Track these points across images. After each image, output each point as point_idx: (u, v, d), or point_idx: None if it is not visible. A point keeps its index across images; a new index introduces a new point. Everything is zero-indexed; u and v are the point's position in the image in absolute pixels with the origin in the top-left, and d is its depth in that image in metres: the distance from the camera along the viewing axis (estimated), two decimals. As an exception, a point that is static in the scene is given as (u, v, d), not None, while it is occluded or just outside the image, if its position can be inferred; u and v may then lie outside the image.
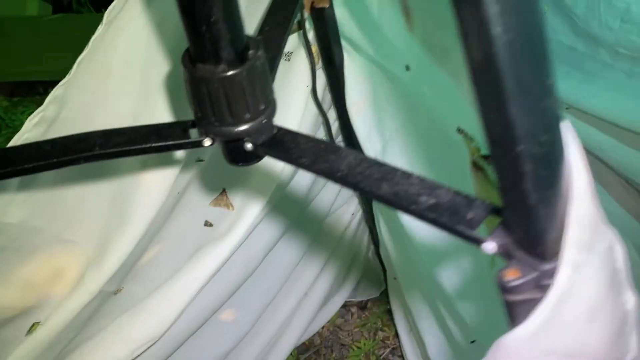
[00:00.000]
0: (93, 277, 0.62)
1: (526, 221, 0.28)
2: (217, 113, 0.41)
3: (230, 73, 0.39)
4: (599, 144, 1.52)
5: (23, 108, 2.16)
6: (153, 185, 0.61)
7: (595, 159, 1.58)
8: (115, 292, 0.76)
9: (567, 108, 1.68)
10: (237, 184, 0.82)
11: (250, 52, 0.41)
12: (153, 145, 0.44)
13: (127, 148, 0.43)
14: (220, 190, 0.81)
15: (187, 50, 0.41)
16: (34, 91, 2.21)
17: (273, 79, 0.50)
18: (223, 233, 0.81)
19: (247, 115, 0.42)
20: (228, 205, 0.81)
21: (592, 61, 1.66)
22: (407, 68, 0.78)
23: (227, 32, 0.38)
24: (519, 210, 0.28)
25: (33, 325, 0.62)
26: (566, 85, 1.64)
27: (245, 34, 0.41)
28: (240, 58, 0.40)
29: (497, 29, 0.22)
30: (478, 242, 0.32)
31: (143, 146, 0.43)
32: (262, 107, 0.42)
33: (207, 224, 0.82)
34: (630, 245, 1.48)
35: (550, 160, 0.26)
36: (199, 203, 0.81)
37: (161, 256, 0.80)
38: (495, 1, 0.22)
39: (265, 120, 0.43)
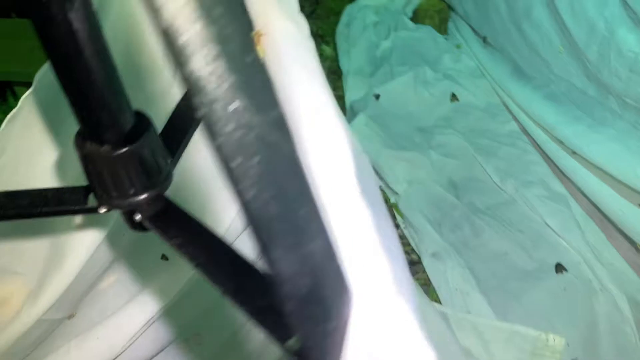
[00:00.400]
0: (30, 308, 0.66)
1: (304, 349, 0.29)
2: (103, 187, 0.44)
3: (114, 154, 0.42)
4: (600, 195, 1.47)
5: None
6: (86, 228, 0.64)
7: (596, 210, 1.52)
8: (69, 317, 0.80)
9: (574, 153, 1.63)
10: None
11: (137, 133, 0.43)
12: (53, 209, 0.47)
13: (27, 211, 0.46)
14: (177, 226, 0.84)
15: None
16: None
17: (184, 146, 0.53)
18: (178, 267, 0.84)
19: (132, 191, 0.44)
20: (184, 241, 0.84)
21: (601, 108, 1.60)
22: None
23: (109, 118, 0.41)
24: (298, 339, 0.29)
25: (-25, 348, 0.67)
26: (575, 129, 1.59)
27: (137, 113, 0.44)
28: (124, 140, 0.42)
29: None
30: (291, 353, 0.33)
31: (43, 210, 0.47)
32: (149, 183, 0.44)
33: (164, 257, 0.85)
34: (624, 297, 1.42)
35: (316, 301, 0.27)
36: (157, 237, 0.84)
37: (117, 285, 0.84)
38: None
39: (151, 196, 0.45)
